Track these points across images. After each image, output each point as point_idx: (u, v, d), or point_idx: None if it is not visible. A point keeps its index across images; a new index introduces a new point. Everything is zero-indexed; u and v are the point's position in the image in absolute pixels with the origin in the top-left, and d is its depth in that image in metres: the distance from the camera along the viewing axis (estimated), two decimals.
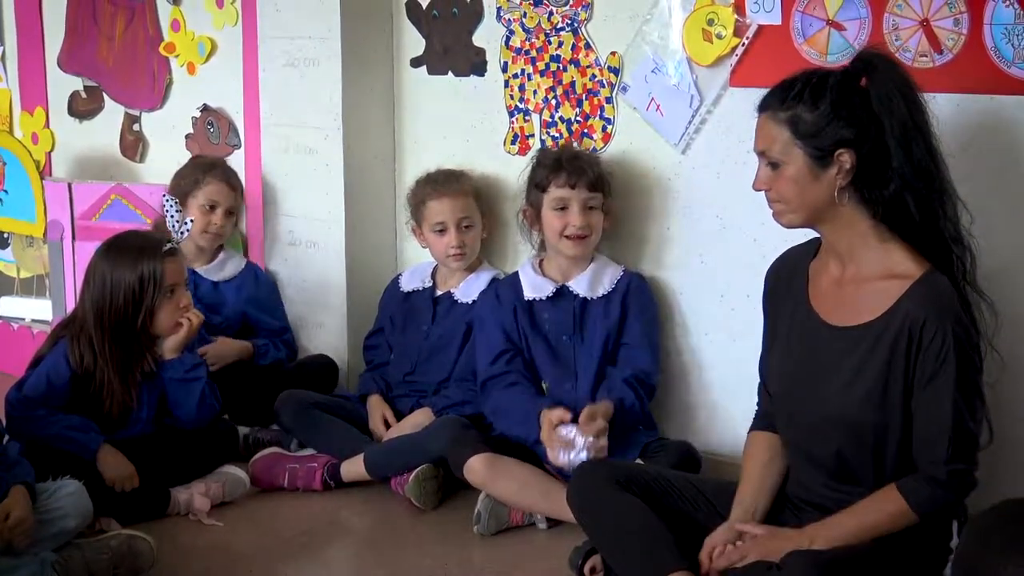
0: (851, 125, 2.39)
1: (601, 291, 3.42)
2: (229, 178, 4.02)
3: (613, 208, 3.48)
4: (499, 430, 3.38)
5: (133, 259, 3.25)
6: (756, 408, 2.80)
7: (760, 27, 3.21)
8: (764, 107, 2.50)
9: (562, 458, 3.08)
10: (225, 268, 4.04)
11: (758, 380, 2.78)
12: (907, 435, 2.43)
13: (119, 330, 3.24)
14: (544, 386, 3.44)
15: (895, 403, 2.41)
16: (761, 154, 2.51)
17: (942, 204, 2.44)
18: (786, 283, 2.65)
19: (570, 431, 3.08)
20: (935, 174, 2.43)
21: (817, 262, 2.60)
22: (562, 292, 3.45)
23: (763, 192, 2.55)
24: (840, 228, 2.49)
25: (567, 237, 3.39)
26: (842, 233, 2.49)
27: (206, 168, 4.02)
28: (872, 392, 2.41)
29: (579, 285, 3.43)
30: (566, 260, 3.45)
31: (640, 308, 3.41)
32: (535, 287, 3.47)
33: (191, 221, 3.79)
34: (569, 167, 3.39)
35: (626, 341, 3.38)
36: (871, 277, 2.47)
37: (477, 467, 3.21)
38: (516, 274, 3.55)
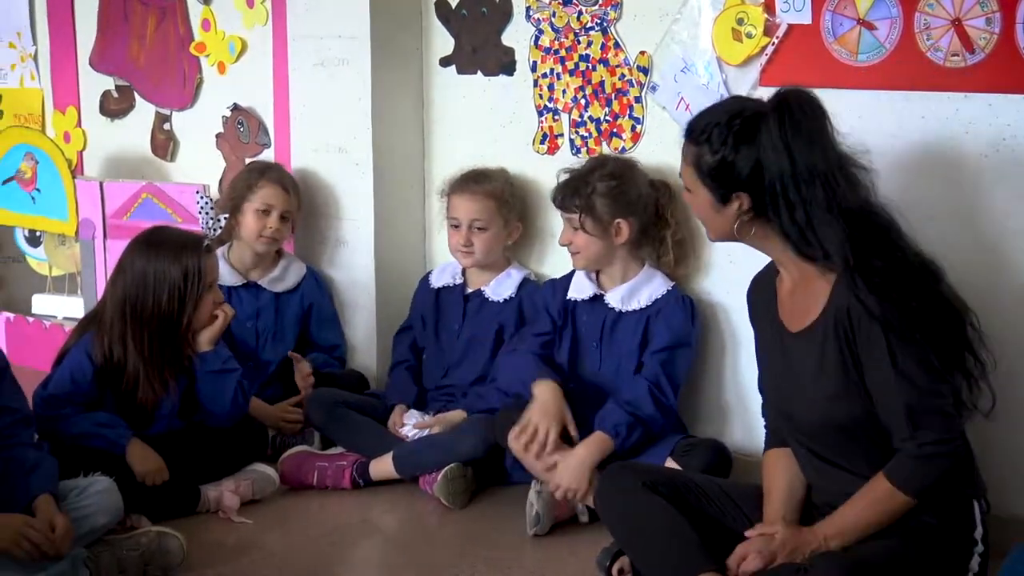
0: (745, 171, 2.48)
1: (635, 305, 3.40)
2: (283, 181, 3.94)
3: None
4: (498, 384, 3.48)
5: (175, 254, 3.26)
6: (765, 428, 2.82)
7: (790, 26, 3.20)
8: (684, 136, 2.61)
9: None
10: (287, 277, 4.00)
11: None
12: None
13: (159, 324, 3.25)
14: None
15: (860, 392, 2.45)
16: (680, 176, 2.65)
17: (835, 253, 2.45)
18: (762, 302, 2.72)
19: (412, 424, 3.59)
20: (819, 229, 2.45)
21: (780, 277, 2.67)
22: (599, 298, 3.45)
23: None
24: (767, 247, 2.59)
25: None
26: (771, 250, 2.60)
27: (260, 172, 3.96)
28: (837, 387, 2.47)
29: (613, 296, 3.42)
30: (618, 270, 3.44)
31: (662, 334, 3.36)
32: (577, 288, 3.48)
33: (224, 219, 3.81)
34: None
35: (645, 362, 3.36)
36: (809, 279, 2.54)
37: None
38: (574, 272, 3.54)
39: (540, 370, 3.34)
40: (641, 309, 3.40)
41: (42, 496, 2.75)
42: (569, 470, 3.17)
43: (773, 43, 3.23)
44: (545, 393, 3.27)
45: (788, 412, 2.62)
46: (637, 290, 3.42)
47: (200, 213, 3.90)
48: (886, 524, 2.45)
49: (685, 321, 3.39)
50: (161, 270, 3.24)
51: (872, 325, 2.39)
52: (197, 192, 4.09)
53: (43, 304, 4.82)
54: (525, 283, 3.74)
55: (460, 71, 3.95)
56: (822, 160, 2.46)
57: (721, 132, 2.50)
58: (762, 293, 2.72)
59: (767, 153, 2.45)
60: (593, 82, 3.63)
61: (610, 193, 3.35)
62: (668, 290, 3.41)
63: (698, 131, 2.55)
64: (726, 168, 2.50)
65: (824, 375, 2.48)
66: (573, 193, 3.38)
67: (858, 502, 2.48)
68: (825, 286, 2.50)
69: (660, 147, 3.52)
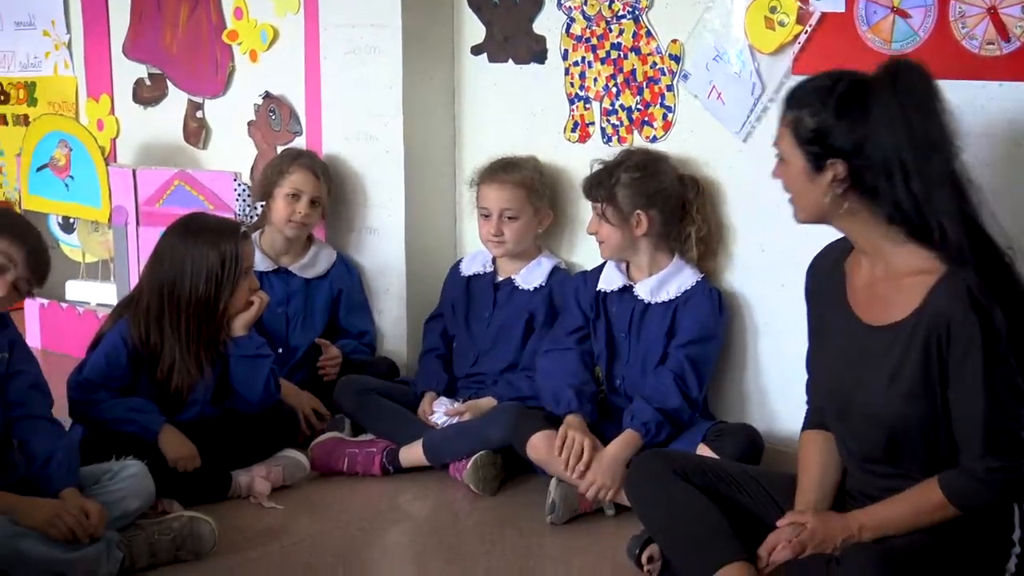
0: (846, 138, 2.39)
1: (664, 297, 3.40)
2: (314, 167, 3.97)
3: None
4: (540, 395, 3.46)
5: (213, 240, 3.28)
6: (806, 406, 2.78)
7: (823, 14, 3.18)
8: (784, 101, 2.52)
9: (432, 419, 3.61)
10: (318, 264, 4.03)
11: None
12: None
13: (196, 308, 3.28)
14: (598, 372, 3.47)
15: (937, 398, 2.38)
16: (775, 145, 2.55)
17: (952, 228, 2.36)
18: (825, 281, 2.65)
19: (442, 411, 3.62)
20: (936, 203, 2.36)
21: (852, 260, 2.58)
22: (629, 290, 3.45)
23: None
24: (856, 228, 2.49)
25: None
26: (859, 233, 2.49)
27: (292, 158, 4.00)
28: (914, 389, 2.39)
29: (642, 288, 3.42)
30: (645, 261, 3.44)
31: (689, 326, 3.36)
32: (608, 280, 3.49)
33: (261, 206, 3.84)
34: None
35: (670, 354, 3.35)
36: (900, 274, 2.44)
37: (539, 444, 3.25)
38: (604, 264, 3.54)
39: (578, 393, 3.34)
40: (670, 300, 3.40)
41: (66, 490, 2.78)
42: (602, 468, 3.18)
43: (806, 31, 3.22)
44: (576, 421, 3.29)
45: (845, 402, 2.55)
46: (666, 282, 3.41)
47: (236, 200, 3.92)
48: (924, 528, 2.41)
49: (713, 313, 3.39)
50: (199, 255, 3.26)
51: (976, 342, 2.30)
52: (234, 179, 4.12)
53: (77, 290, 4.86)
54: (555, 272, 3.74)
55: (491, 59, 3.95)
56: (938, 131, 2.37)
57: (823, 96, 2.41)
58: (828, 273, 2.64)
59: (880, 123, 2.36)
60: (624, 70, 3.62)
61: (633, 184, 3.35)
62: (697, 282, 3.41)
63: (798, 96, 2.47)
64: (825, 133, 2.40)
65: (901, 376, 2.40)
66: (599, 183, 3.39)
67: (903, 503, 2.43)
68: (919, 284, 2.40)
69: (691, 136, 3.52)
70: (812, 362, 2.72)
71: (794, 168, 2.48)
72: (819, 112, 2.41)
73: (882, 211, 2.42)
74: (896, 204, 2.38)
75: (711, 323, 3.38)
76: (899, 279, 2.44)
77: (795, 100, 2.48)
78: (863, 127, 2.37)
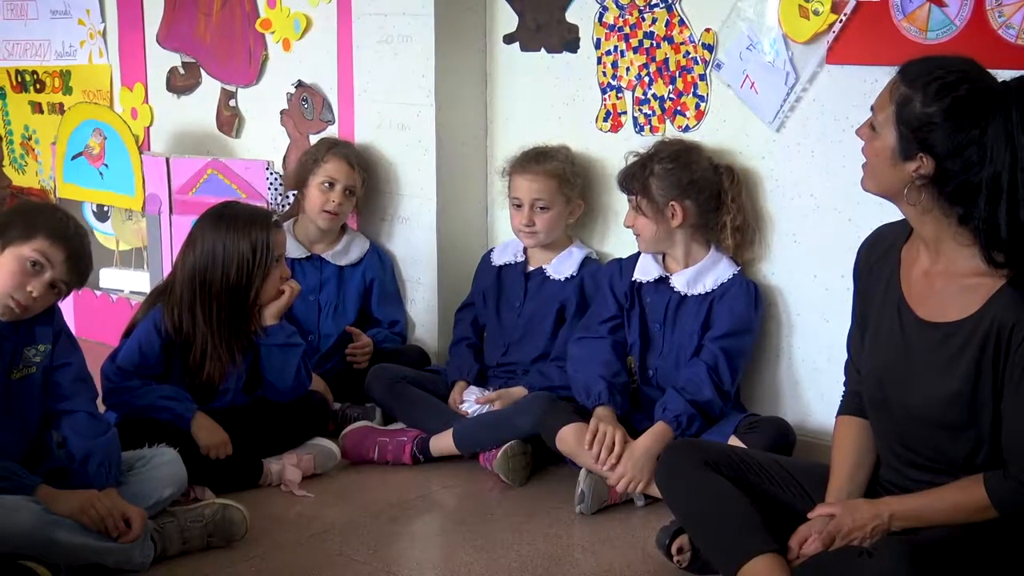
0: (947, 141, 2.30)
1: (700, 289, 3.39)
2: (349, 157, 3.99)
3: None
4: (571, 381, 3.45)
5: (245, 228, 3.30)
6: (844, 387, 2.75)
7: (858, 3, 3.16)
8: (901, 71, 2.40)
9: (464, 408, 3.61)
10: (351, 252, 4.05)
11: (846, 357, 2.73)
12: (999, 432, 2.37)
13: (228, 296, 3.29)
14: (631, 362, 3.46)
15: (985, 403, 2.34)
16: (871, 109, 2.45)
17: None
18: (879, 264, 2.58)
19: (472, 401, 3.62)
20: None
21: (909, 247, 2.52)
22: (665, 281, 3.44)
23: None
24: (922, 219, 2.40)
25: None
26: (924, 224, 2.41)
27: (328, 147, 4.02)
28: (962, 392, 2.36)
29: (678, 279, 3.41)
30: (681, 252, 3.43)
31: (724, 319, 3.35)
32: (644, 270, 3.48)
33: (292, 195, 3.85)
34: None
35: (705, 346, 3.34)
36: (959, 272, 2.38)
37: (568, 437, 3.25)
38: (639, 253, 3.53)
39: (609, 385, 3.34)
40: (706, 293, 3.39)
41: (108, 489, 2.79)
42: (633, 460, 3.17)
43: (841, 20, 3.19)
44: (606, 414, 3.29)
45: (885, 392, 2.51)
46: (703, 274, 3.40)
47: (269, 189, 3.94)
48: (957, 524, 2.38)
49: (748, 307, 3.37)
50: (231, 244, 3.28)
51: None
52: (266, 168, 4.13)
53: (110, 278, 4.88)
54: (587, 262, 3.74)
55: (524, 48, 3.94)
56: None
57: (941, 91, 2.29)
58: (883, 255, 2.57)
59: (997, 139, 2.23)
60: (657, 59, 3.61)
61: (666, 176, 3.34)
62: (734, 275, 3.40)
63: (917, 74, 2.33)
64: (928, 128, 2.29)
65: (951, 377, 2.36)
66: (632, 176, 3.39)
67: (940, 497, 2.40)
68: (979, 287, 2.34)
69: (724, 125, 3.50)
70: (853, 343, 2.68)
71: (882, 142, 2.39)
72: (930, 104, 2.30)
73: (956, 214, 2.34)
74: (986, 222, 2.28)
75: (747, 317, 3.37)
76: (958, 278, 2.38)
77: (912, 77, 2.34)
78: (969, 136, 2.27)
